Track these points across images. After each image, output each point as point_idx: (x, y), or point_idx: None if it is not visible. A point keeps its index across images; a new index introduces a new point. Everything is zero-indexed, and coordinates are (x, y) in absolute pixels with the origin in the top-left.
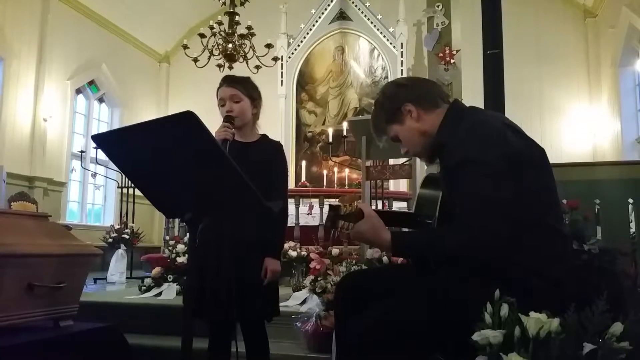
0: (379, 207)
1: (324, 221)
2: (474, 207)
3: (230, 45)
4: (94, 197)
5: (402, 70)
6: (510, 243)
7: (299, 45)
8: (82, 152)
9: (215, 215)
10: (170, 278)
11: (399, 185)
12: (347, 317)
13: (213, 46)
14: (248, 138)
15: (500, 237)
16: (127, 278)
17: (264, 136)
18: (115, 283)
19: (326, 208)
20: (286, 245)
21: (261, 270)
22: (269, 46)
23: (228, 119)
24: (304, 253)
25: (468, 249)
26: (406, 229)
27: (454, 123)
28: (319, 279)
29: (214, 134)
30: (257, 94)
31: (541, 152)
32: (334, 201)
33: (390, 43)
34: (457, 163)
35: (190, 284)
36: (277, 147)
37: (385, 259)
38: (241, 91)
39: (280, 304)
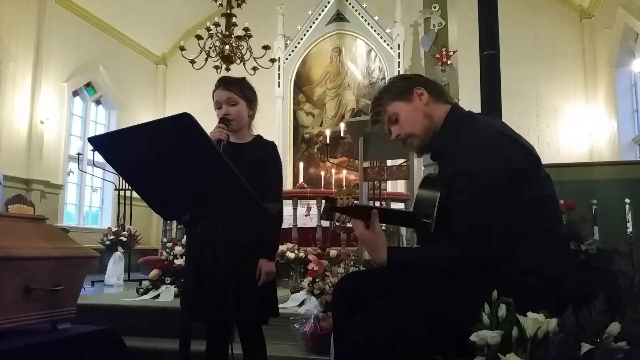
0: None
1: (320, 213)
2: (466, 226)
3: (227, 47)
4: (91, 199)
5: (399, 71)
6: (505, 249)
7: (296, 47)
8: (79, 154)
9: (211, 217)
10: (168, 280)
11: (397, 186)
12: (346, 319)
13: (210, 48)
14: (243, 139)
15: (488, 255)
16: (124, 280)
17: (258, 137)
18: (113, 285)
19: (322, 217)
20: (284, 247)
21: (256, 271)
22: (266, 48)
23: (224, 121)
24: (301, 254)
25: (458, 268)
26: (404, 228)
27: (454, 129)
28: (317, 280)
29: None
30: (253, 95)
31: (536, 158)
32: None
33: (387, 44)
34: (453, 175)
35: (187, 285)
36: (271, 147)
37: None
38: (237, 94)
39: (279, 306)
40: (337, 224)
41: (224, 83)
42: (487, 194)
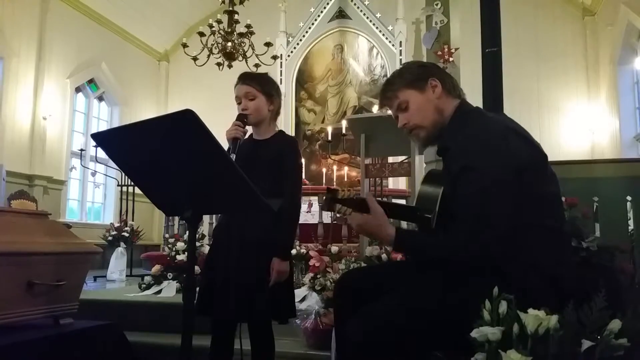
0: None
1: (322, 204)
2: (471, 218)
3: (229, 44)
4: (93, 195)
5: None
6: (507, 244)
7: (298, 44)
8: (81, 150)
9: (226, 215)
10: (170, 276)
11: (398, 183)
12: (347, 315)
13: (212, 45)
14: (263, 135)
15: (492, 248)
16: (127, 276)
17: (280, 132)
18: (115, 281)
19: (323, 208)
20: None
21: (268, 270)
22: (268, 45)
23: (240, 118)
24: (303, 251)
25: (461, 256)
26: (406, 223)
27: (461, 125)
28: (318, 276)
29: (225, 133)
30: (274, 90)
31: (544, 156)
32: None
33: (389, 41)
34: (460, 169)
35: (191, 281)
36: (289, 143)
37: (384, 256)
38: (255, 88)
39: None
40: (338, 215)
41: (243, 78)
42: (494, 188)
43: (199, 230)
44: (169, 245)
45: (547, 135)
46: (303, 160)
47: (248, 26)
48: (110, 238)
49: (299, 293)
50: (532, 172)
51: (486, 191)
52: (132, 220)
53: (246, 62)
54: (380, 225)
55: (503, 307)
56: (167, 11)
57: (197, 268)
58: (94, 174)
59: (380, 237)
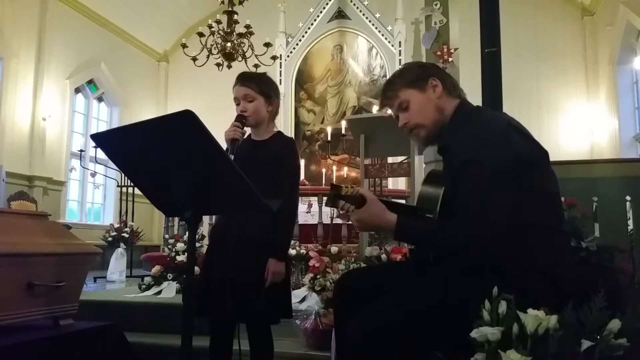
0: None
1: (325, 200)
2: (472, 211)
3: (228, 44)
4: (93, 196)
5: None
6: (507, 243)
7: (297, 44)
8: (81, 151)
9: (224, 215)
10: (170, 276)
11: (398, 183)
12: (347, 315)
13: (212, 45)
14: (261, 136)
15: (492, 242)
16: (127, 277)
17: (278, 133)
18: (115, 282)
19: (327, 204)
20: None
21: (264, 271)
22: (267, 45)
23: (239, 119)
24: (303, 251)
25: (460, 256)
26: None
27: (461, 123)
28: (318, 277)
29: (223, 134)
30: (273, 90)
31: (544, 153)
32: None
33: (389, 42)
34: (460, 164)
35: (191, 282)
36: (287, 144)
37: (384, 256)
38: (254, 90)
39: None
40: (342, 211)
41: (242, 79)
42: (494, 185)
43: (198, 230)
44: (169, 246)
45: (546, 136)
46: (302, 161)
47: (247, 26)
48: (110, 239)
49: (299, 293)
50: (533, 167)
51: (486, 188)
52: (132, 221)
53: (245, 63)
54: (379, 213)
55: (503, 307)
56: (167, 12)
57: (196, 269)
58: (93, 174)
59: (381, 225)
